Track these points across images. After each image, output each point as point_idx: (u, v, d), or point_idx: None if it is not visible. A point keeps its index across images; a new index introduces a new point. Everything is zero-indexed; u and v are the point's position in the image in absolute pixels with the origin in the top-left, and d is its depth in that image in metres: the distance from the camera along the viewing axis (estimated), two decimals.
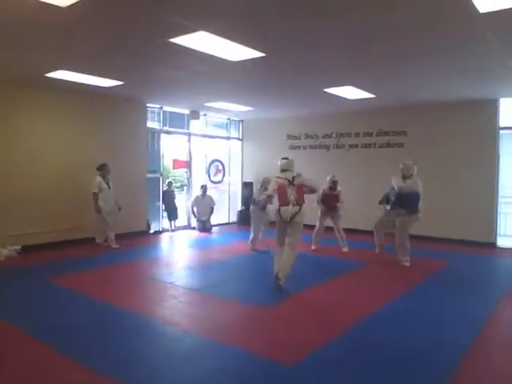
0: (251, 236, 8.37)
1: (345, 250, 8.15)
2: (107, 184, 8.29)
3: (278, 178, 5.86)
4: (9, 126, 7.61)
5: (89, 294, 5.36)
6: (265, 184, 8.21)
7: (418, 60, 5.92)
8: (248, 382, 3.29)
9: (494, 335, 4.31)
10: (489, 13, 4.05)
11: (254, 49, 5.32)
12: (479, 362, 3.69)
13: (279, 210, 5.68)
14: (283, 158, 6.13)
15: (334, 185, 8.16)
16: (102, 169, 8.27)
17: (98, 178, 8.20)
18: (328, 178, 8.18)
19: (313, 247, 8.26)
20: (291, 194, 5.66)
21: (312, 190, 6.03)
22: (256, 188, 8.64)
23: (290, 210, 5.59)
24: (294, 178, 5.79)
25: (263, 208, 8.13)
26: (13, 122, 7.66)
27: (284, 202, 5.66)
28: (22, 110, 7.76)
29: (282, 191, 5.70)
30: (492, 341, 4.16)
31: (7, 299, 5.21)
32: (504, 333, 4.40)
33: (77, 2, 3.88)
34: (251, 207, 8.46)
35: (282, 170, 5.95)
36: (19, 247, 7.47)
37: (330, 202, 8.14)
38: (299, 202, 5.66)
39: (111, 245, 8.41)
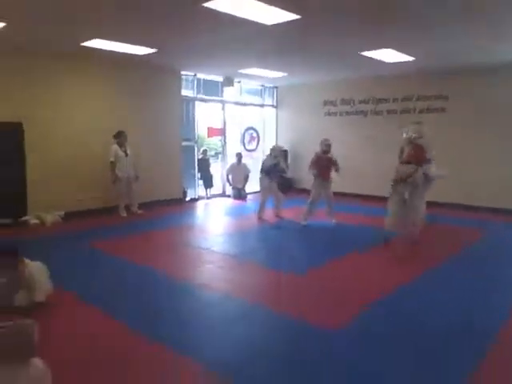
0: (258, 207, 8.28)
1: (333, 221, 7.64)
2: (124, 152, 8.22)
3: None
4: (48, 97, 7.79)
5: (129, 259, 5.56)
6: (274, 152, 8.16)
7: (462, 20, 5.58)
8: (294, 347, 3.36)
9: None
10: None
11: (290, 11, 5.16)
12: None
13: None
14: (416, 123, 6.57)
15: (328, 148, 7.64)
16: (119, 136, 8.18)
17: (114, 146, 8.14)
18: (324, 141, 7.71)
19: (303, 222, 7.61)
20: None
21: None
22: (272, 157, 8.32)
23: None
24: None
25: (273, 176, 8.07)
26: (51, 92, 7.83)
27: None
28: (60, 80, 7.91)
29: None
30: None
31: (57, 262, 5.43)
32: None
33: None
34: (260, 176, 8.32)
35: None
36: (63, 213, 7.76)
37: (323, 164, 7.57)
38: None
39: (137, 212, 8.54)
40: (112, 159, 8.11)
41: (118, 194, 8.33)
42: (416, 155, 5.97)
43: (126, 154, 8.26)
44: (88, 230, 7.21)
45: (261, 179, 8.28)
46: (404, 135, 6.37)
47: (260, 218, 8.13)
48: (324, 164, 7.55)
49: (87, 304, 4.08)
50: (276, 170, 8.13)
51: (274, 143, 12.53)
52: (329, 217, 7.72)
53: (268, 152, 8.59)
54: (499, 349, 3.28)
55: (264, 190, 8.21)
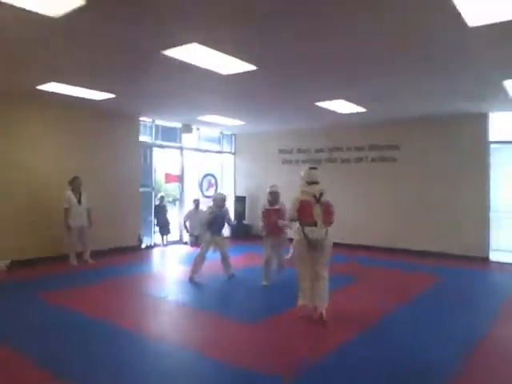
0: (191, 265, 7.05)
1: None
2: (78, 199, 7.93)
3: (304, 192, 4.97)
4: (1, 140, 7.57)
5: (78, 310, 5.24)
6: (216, 202, 6.94)
7: (406, 74, 5.99)
8: None
9: (488, 354, 4.26)
10: (478, 27, 4.10)
11: (246, 61, 5.34)
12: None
13: (303, 230, 4.86)
14: (311, 168, 5.15)
15: (273, 198, 6.50)
16: (73, 183, 7.91)
17: (68, 193, 7.86)
18: (267, 190, 6.61)
19: (264, 282, 6.52)
20: (318, 215, 4.83)
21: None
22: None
23: (318, 231, 4.81)
24: (321, 194, 4.93)
25: (215, 229, 6.91)
26: (4, 136, 7.58)
27: (310, 221, 4.84)
28: (11, 123, 7.69)
29: (307, 209, 4.85)
30: (486, 358, 4.12)
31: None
32: (498, 352, 4.31)
33: (70, 12, 3.87)
34: (200, 230, 7.29)
35: (309, 183, 4.99)
36: (8, 261, 7.34)
37: (270, 219, 6.36)
38: (327, 225, 4.90)
39: (88, 261, 8.11)
40: (66, 206, 7.82)
41: (69, 242, 7.99)
42: (325, 216, 4.88)
43: (80, 202, 7.95)
44: (35, 279, 6.82)
45: (201, 234, 7.16)
46: (301, 186, 5.06)
47: (191, 279, 6.85)
48: (273, 218, 6.31)
49: (24, 358, 3.78)
50: (219, 223, 6.97)
51: (230, 190, 12.63)
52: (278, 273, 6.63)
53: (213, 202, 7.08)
54: None
55: (206, 245, 6.95)
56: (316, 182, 5.00)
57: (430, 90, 6.88)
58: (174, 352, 4.09)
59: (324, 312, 4.82)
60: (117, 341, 4.32)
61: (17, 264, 7.43)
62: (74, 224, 7.88)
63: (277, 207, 6.43)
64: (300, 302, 5.07)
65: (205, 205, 10.96)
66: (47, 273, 7.28)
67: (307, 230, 4.84)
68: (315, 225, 4.83)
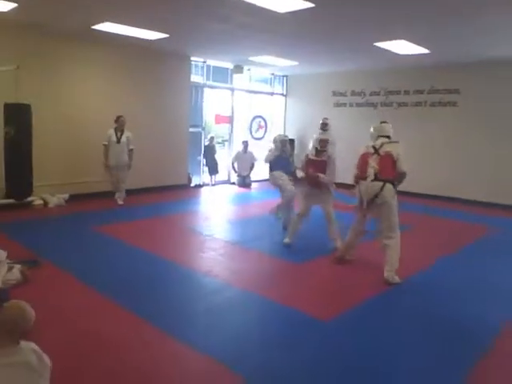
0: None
1: (335, 244, 5.47)
2: (118, 138, 7.84)
3: (367, 146, 4.69)
4: (56, 80, 7.73)
5: (131, 244, 5.54)
6: (275, 142, 6.52)
7: (480, 15, 5.46)
8: (284, 334, 3.33)
9: None
10: None
11: None
12: None
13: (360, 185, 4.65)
14: (382, 122, 4.86)
15: (322, 146, 5.51)
16: (116, 121, 7.81)
17: (110, 131, 7.79)
18: (315, 136, 5.73)
19: (286, 239, 5.71)
20: (373, 167, 4.50)
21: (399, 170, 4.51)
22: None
23: (370, 185, 4.50)
24: (382, 144, 4.55)
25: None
26: (60, 75, 7.78)
27: (363, 174, 4.60)
28: (69, 63, 7.85)
29: (363, 161, 4.63)
30: None
31: (57, 244, 5.47)
32: None
33: None
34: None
35: (377, 137, 4.68)
36: (67, 195, 7.75)
37: (312, 170, 5.45)
38: (382, 177, 4.47)
39: (117, 201, 7.97)
40: (105, 143, 7.79)
41: (108, 179, 8.07)
42: (380, 167, 4.50)
43: (118, 141, 7.82)
44: (91, 213, 7.21)
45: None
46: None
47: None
48: (315, 170, 5.43)
49: (86, 285, 4.08)
50: (282, 164, 6.43)
51: (281, 132, 12.44)
52: (330, 238, 5.62)
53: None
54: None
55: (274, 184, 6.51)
56: (384, 136, 4.63)
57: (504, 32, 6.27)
58: (220, 288, 4.25)
59: (389, 276, 4.44)
60: (166, 273, 4.58)
61: (75, 198, 7.84)
62: (110, 162, 7.86)
63: (323, 158, 5.46)
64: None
65: (254, 146, 11.05)
66: (102, 207, 7.65)
67: (361, 184, 4.62)
68: (372, 179, 4.48)
